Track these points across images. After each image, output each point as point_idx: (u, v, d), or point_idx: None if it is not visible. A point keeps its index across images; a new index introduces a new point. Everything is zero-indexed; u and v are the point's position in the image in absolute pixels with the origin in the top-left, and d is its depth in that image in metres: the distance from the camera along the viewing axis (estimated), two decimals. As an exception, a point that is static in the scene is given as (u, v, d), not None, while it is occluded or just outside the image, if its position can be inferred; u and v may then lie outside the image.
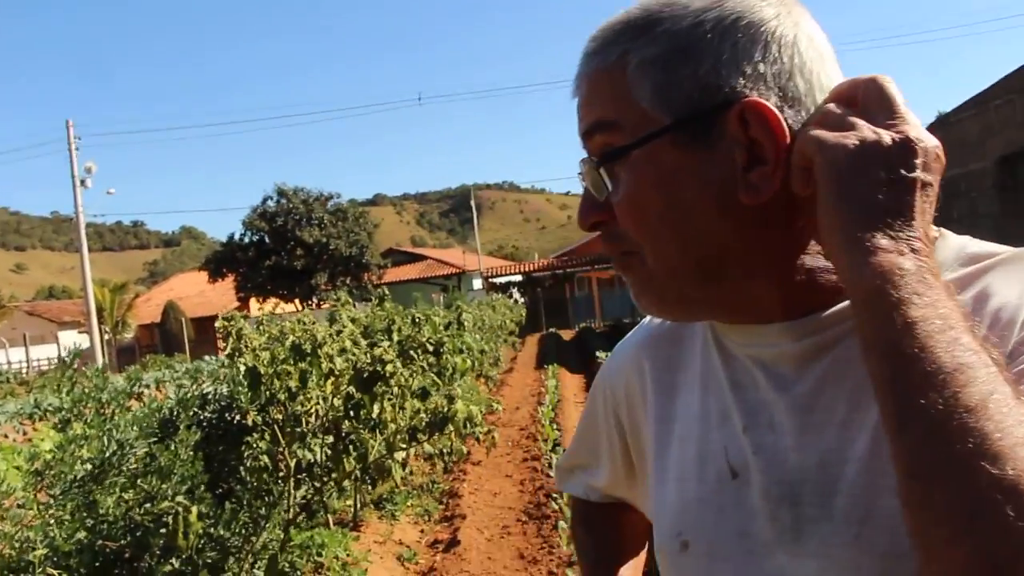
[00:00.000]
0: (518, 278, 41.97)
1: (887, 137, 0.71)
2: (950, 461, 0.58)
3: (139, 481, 3.49)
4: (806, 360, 0.83)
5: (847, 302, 0.80)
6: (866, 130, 0.71)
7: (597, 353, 17.84)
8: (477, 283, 40.99)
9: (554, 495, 6.92)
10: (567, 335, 31.70)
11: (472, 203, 47.41)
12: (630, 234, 0.82)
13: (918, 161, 0.70)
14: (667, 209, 0.79)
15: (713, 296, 0.83)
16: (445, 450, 6.26)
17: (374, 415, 4.54)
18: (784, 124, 0.76)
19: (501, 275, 42.34)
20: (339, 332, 4.82)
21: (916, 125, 0.72)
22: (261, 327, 4.95)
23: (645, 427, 1.03)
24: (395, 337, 5.90)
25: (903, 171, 0.70)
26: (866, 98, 0.75)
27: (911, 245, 0.68)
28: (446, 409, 4.79)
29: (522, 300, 37.22)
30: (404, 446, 4.80)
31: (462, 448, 6.64)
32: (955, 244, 0.83)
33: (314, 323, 4.70)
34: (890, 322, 0.64)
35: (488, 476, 8.17)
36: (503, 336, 20.09)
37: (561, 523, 6.20)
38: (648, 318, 1.09)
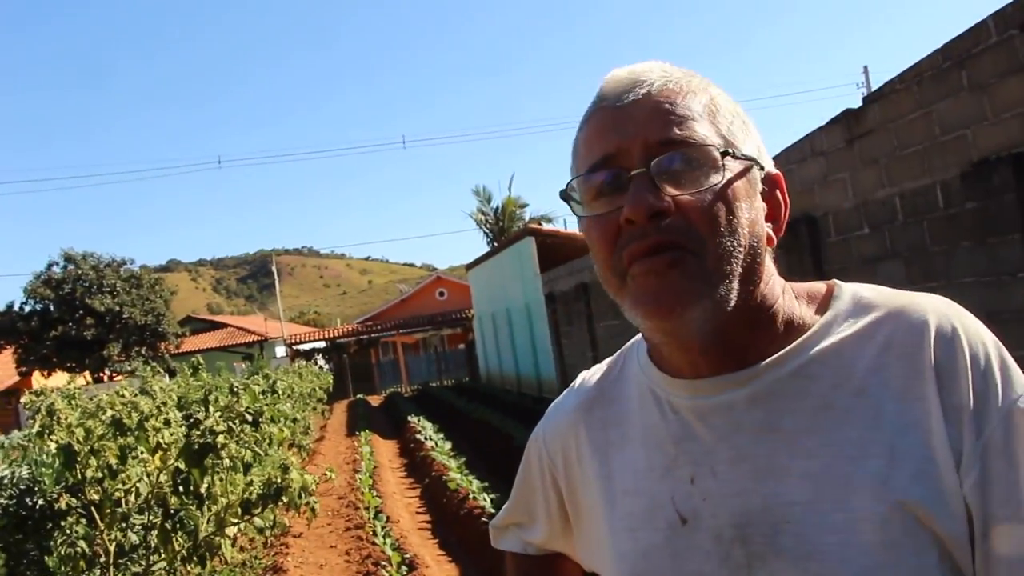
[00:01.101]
0: (322, 344, 41.05)
1: None
2: None
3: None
4: (742, 411, 0.94)
5: (780, 352, 0.94)
6: None
7: (409, 417, 17.78)
8: (280, 350, 39.70)
9: (382, 563, 6.81)
10: (375, 400, 31.32)
11: (273, 268, 46.09)
12: (696, 230, 0.88)
13: None
14: (744, 214, 0.91)
15: (737, 303, 0.91)
16: (268, 524, 6.05)
17: (203, 489, 4.34)
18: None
19: (305, 341, 41.27)
20: (164, 404, 4.60)
21: None
22: (73, 401, 4.64)
23: (584, 486, 1.11)
24: (212, 408, 5.69)
25: None
26: None
27: None
28: (280, 479, 4.65)
29: (327, 366, 36.42)
30: (235, 521, 4.60)
31: (284, 521, 6.43)
32: (849, 293, 0.98)
33: (136, 395, 4.45)
34: None
35: (312, 548, 7.90)
36: (312, 404, 19.56)
37: (393, 590, 6.10)
38: (579, 382, 1.19)
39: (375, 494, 10.01)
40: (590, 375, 1.18)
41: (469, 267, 31.23)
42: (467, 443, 13.63)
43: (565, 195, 0.98)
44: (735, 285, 0.90)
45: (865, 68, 31.18)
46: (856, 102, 6.51)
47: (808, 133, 7.08)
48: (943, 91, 5.35)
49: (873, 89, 6.57)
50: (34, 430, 4.48)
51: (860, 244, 6.48)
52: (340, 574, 6.98)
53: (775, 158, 7.64)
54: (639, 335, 1.09)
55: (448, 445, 13.15)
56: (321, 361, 37.97)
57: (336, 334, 42.44)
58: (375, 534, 7.98)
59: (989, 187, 4.97)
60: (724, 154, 0.90)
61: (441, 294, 46.85)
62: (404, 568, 6.66)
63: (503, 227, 39.20)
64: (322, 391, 22.40)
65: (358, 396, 33.62)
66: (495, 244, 31.83)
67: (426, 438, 13.99)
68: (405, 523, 8.63)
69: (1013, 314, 4.89)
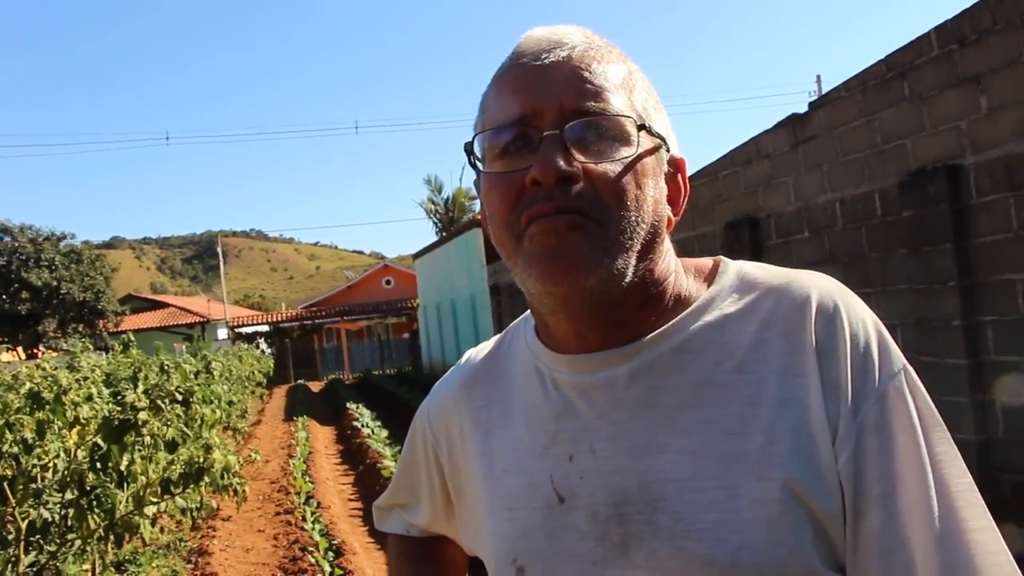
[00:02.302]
0: (265, 328, 40.56)
1: None
2: None
3: None
4: (623, 387, 0.91)
5: (662, 328, 0.92)
6: None
7: (348, 404, 17.64)
8: (222, 332, 39.13)
9: (309, 549, 6.73)
10: (316, 386, 31.04)
11: (219, 249, 45.44)
12: (602, 200, 0.85)
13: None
14: (650, 191, 0.89)
15: (633, 279, 0.88)
16: (195, 505, 5.93)
17: (123, 467, 4.22)
18: None
19: (248, 325, 40.72)
20: (85, 378, 4.46)
21: None
22: (-9, 374, 4.48)
23: (466, 465, 1.07)
24: (141, 386, 5.55)
25: None
26: None
27: None
28: (202, 459, 4.54)
29: (269, 351, 35.99)
30: (155, 500, 4.49)
31: (212, 503, 6.32)
32: (734, 270, 0.97)
33: (56, 369, 4.32)
34: None
35: (239, 532, 7.79)
36: (251, 387, 19.32)
37: (319, 577, 6.03)
38: (464, 359, 1.15)
39: (308, 479, 9.90)
40: (476, 352, 1.14)
41: (416, 256, 31.10)
42: (404, 431, 13.42)
43: (469, 149, 0.93)
44: (633, 260, 0.87)
45: (818, 77, 31.66)
46: (806, 109, 6.58)
47: (754, 136, 7.14)
48: (885, 100, 5.43)
49: (820, 96, 6.64)
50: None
51: (800, 248, 6.55)
52: (266, 558, 6.88)
53: (721, 160, 7.75)
54: (528, 312, 1.06)
55: (385, 433, 13.06)
56: (263, 345, 37.54)
57: (280, 318, 41.97)
58: (305, 519, 7.88)
59: (925, 196, 5.05)
60: (640, 128, 0.87)
61: (388, 282, 46.61)
62: (331, 554, 6.59)
63: (453, 218, 39.08)
64: (262, 375, 22.15)
65: (299, 382, 33.29)
66: (444, 234, 31.71)
67: (363, 425, 13.89)
68: (336, 509, 8.55)
69: (943, 322, 4.98)
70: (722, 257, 1.00)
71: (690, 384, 0.89)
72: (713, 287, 0.95)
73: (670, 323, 0.92)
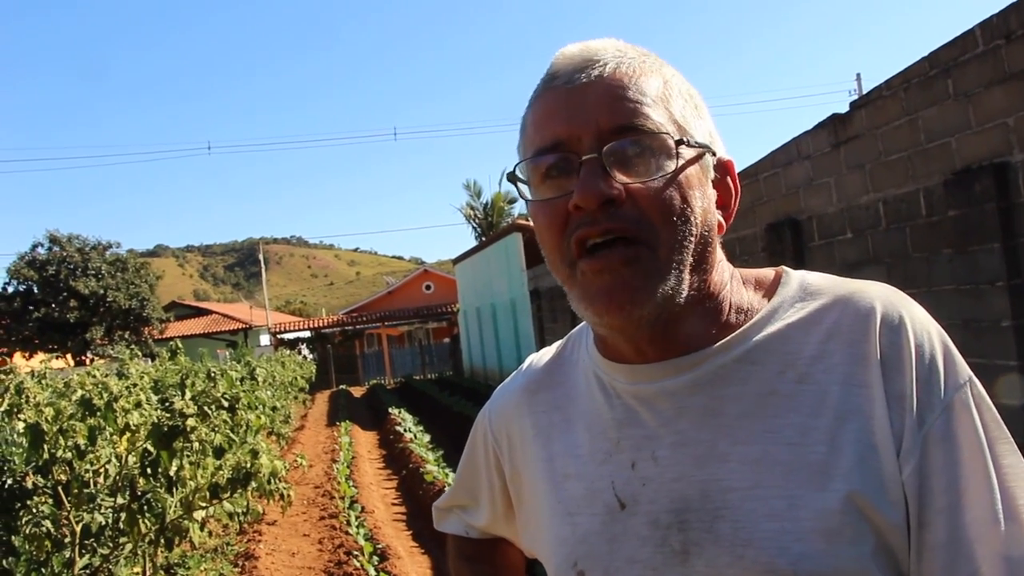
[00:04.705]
0: (307, 334, 40.91)
1: None
2: None
3: None
4: (686, 396, 0.92)
5: (726, 339, 0.93)
6: None
7: (390, 409, 17.75)
8: (265, 339, 39.61)
9: (355, 552, 6.79)
10: (358, 392, 31.25)
11: (260, 256, 45.99)
12: (648, 219, 0.85)
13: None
14: (697, 203, 0.89)
15: (688, 293, 0.89)
16: (241, 510, 6.02)
17: (172, 472, 4.30)
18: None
19: (289, 331, 41.13)
20: (134, 385, 4.55)
21: None
22: (44, 381, 4.59)
23: (527, 469, 1.09)
24: (188, 392, 5.65)
25: None
26: None
27: None
28: (249, 464, 4.61)
29: (311, 356, 36.31)
30: (204, 504, 4.56)
31: (258, 508, 6.40)
32: (796, 280, 0.97)
33: (107, 376, 4.41)
34: None
35: (285, 536, 7.87)
36: (293, 393, 19.51)
37: (364, 580, 6.08)
38: (527, 364, 1.17)
39: (351, 484, 9.98)
40: (538, 357, 1.16)
41: (456, 261, 31.20)
42: (446, 436, 13.60)
43: (512, 177, 0.94)
44: (686, 275, 0.88)
45: (858, 75, 31.28)
46: (846, 108, 6.51)
47: (795, 136, 7.08)
48: (929, 99, 5.35)
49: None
50: (1, 408, 4.43)
51: (843, 249, 6.48)
52: (312, 562, 6.95)
53: (762, 161, 7.69)
54: None
55: (427, 438, 13.13)
56: (305, 351, 37.88)
57: (321, 324, 42.33)
58: (349, 524, 7.96)
59: (971, 196, 4.97)
60: (679, 143, 0.87)
61: (428, 287, 46.82)
62: (376, 558, 6.64)
63: (492, 222, 39.14)
64: (304, 380, 22.35)
65: (341, 387, 33.53)
66: (484, 239, 31.76)
67: (405, 430, 13.97)
68: (380, 514, 8.61)
69: (991, 323, 4.90)
70: (784, 267, 1.00)
71: (753, 394, 0.89)
72: (776, 298, 0.96)
73: (733, 334, 0.93)
